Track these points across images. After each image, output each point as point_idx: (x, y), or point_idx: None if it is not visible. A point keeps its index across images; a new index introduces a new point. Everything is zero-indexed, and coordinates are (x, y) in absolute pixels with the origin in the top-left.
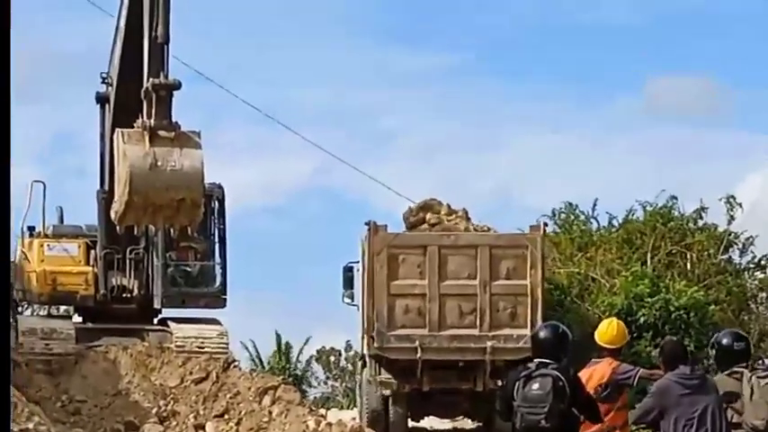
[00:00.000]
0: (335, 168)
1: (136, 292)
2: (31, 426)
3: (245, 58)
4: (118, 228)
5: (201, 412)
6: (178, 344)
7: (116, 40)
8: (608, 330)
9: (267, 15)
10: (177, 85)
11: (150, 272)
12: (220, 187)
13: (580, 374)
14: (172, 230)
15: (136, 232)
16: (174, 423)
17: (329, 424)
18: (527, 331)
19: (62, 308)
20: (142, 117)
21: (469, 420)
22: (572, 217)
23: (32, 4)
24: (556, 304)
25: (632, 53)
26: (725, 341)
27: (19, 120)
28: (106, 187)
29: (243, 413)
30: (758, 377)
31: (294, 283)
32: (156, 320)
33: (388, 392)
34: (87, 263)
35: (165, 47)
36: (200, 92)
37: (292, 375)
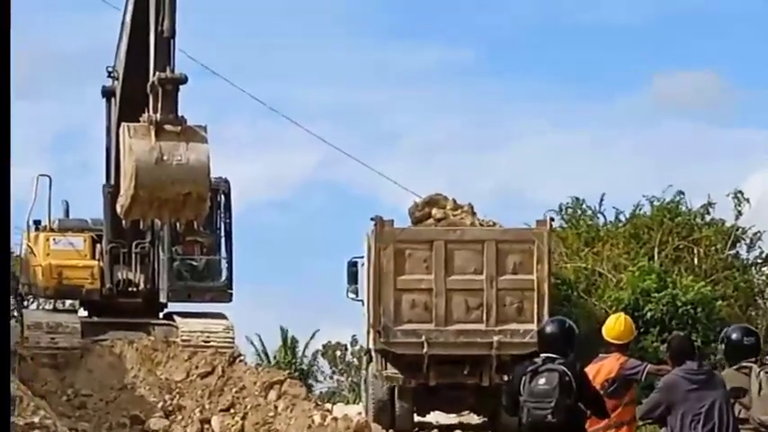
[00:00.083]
0: (340, 163)
1: (142, 286)
2: (36, 419)
3: (248, 59)
4: (124, 222)
5: (207, 406)
6: (184, 338)
7: (122, 35)
8: (615, 326)
9: (270, 16)
10: (183, 80)
11: (156, 266)
12: (226, 181)
13: (587, 370)
14: (178, 224)
15: (142, 226)
16: (180, 417)
17: (335, 419)
18: (533, 326)
19: (68, 302)
20: (148, 111)
21: (475, 415)
22: (579, 212)
23: (37, 1)
24: (563, 299)
25: (636, 50)
26: (734, 336)
27: (25, 115)
28: (112, 181)
29: (248, 407)
30: (766, 372)
31: (300, 277)
32: (161, 315)
33: (394, 387)
34: (93, 257)
35: (172, 41)
36: (206, 86)
37: (298, 370)
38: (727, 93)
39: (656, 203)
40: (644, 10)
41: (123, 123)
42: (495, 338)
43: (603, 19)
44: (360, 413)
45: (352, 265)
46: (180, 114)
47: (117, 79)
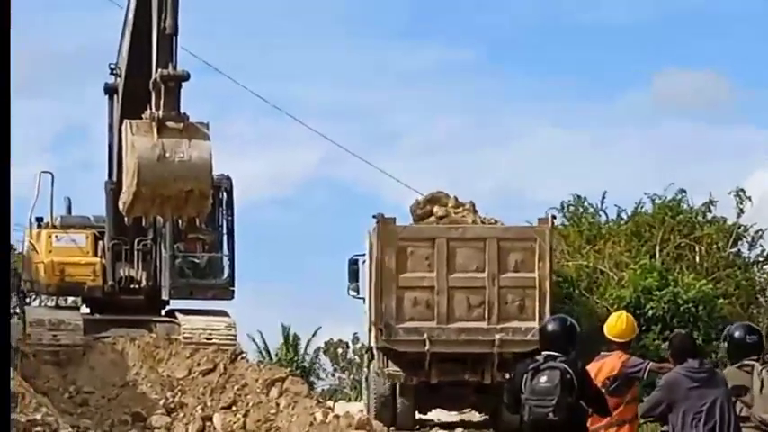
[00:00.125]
0: (342, 161)
1: (144, 283)
2: (38, 416)
3: (248, 57)
4: (126, 219)
5: (209, 404)
6: (186, 335)
7: (125, 32)
8: (617, 324)
9: (270, 15)
10: (186, 77)
11: (158, 263)
12: (228, 178)
13: (589, 367)
14: (180, 222)
15: (144, 223)
16: (182, 414)
17: (336, 416)
18: (535, 324)
19: (70, 299)
20: (150, 108)
21: (476, 413)
22: (581, 209)
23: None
24: (564, 297)
25: (637, 50)
26: (737, 334)
27: (28, 112)
28: (114, 178)
29: (250, 405)
30: None
31: (302, 274)
32: (163, 312)
33: (396, 384)
34: (95, 254)
35: (174, 38)
36: (209, 84)
37: (300, 367)
38: (728, 92)
39: (657, 201)
40: (645, 9)
41: (126, 120)
42: (497, 336)
43: (604, 18)
44: (361, 410)
45: (353, 263)
46: (182, 111)
47: (119, 76)
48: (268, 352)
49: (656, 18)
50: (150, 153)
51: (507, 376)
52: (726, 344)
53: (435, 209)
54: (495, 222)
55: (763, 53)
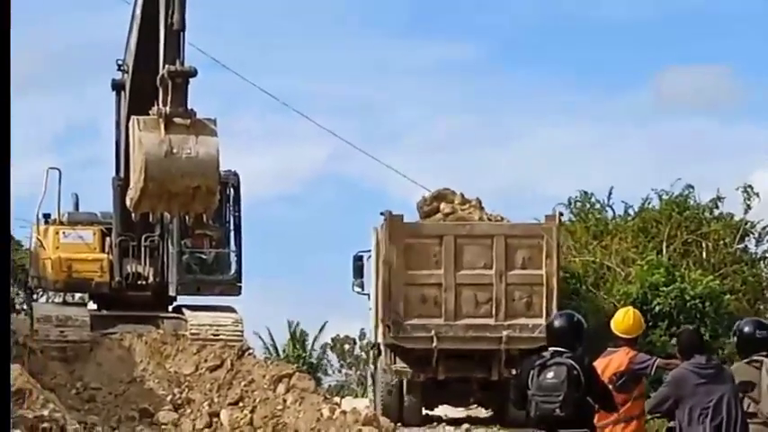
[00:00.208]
0: (349, 157)
1: (151, 279)
2: (45, 413)
3: (254, 54)
4: (133, 215)
5: (216, 400)
6: (193, 331)
7: (132, 28)
8: (624, 320)
9: (275, 13)
10: (193, 73)
11: (165, 259)
12: (236, 175)
13: (596, 364)
14: (187, 218)
15: (151, 219)
16: (189, 410)
17: (343, 412)
18: (542, 321)
19: (77, 295)
20: (158, 104)
21: (483, 409)
22: (587, 205)
23: None
24: (571, 293)
25: (643, 47)
26: (747, 329)
27: (35, 108)
28: (122, 174)
29: (257, 401)
30: None
31: (309, 270)
32: (170, 308)
33: (403, 381)
34: (102, 250)
35: (181, 34)
36: (216, 80)
37: (307, 363)
38: (732, 89)
39: (664, 197)
40: (648, 7)
41: (133, 116)
42: (505, 333)
43: (607, 16)
44: (367, 407)
45: (358, 259)
46: (189, 107)
47: (127, 72)
48: (275, 348)
49: (658, 15)
50: (157, 149)
51: (514, 372)
52: (735, 339)
53: (442, 206)
54: (502, 219)
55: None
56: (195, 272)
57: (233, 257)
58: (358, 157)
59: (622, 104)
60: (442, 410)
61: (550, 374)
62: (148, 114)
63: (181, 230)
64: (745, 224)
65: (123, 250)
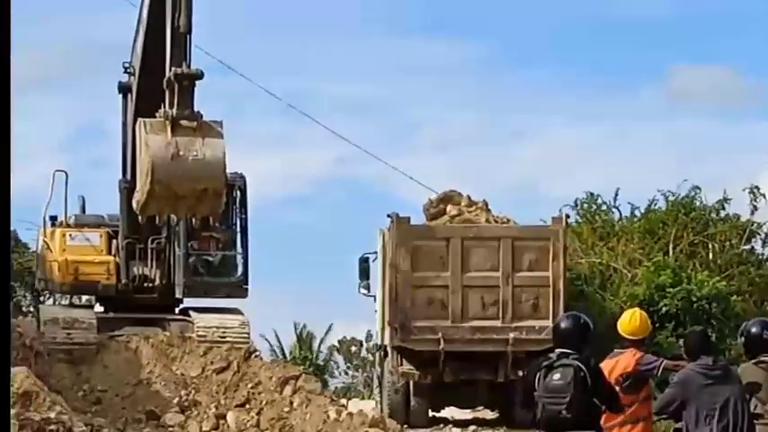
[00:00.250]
0: (356, 159)
1: (157, 281)
2: (52, 415)
3: (260, 55)
4: (140, 217)
5: (222, 402)
6: (199, 333)
7: (139, 30)
8: (631, 321)
9: (281, 12)
10: (200, 75)
11: (172, 261)
12: (242, 177)
13: (603, 365)
14: (193, 220)
15: (158, 222)
16: (196, 412)
17: (350, 414)
18: (549, 323)
19: (84, 297)
20: (164, 107)
21: (489, 411)
22: (594, 207)
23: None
24: (578, 294)
25: (652, 45)
26: (754, 329)
27: (42, 110)
28: (128, 177)
29: (264, 403)
30: None
31: (315, 272)
32: (177, 310)
33: (409, 383)
34: (109, 252)
35: (188, 36)
36: (222, 82)
37: (314, 365)
38: (743, 88)
39: (670, 198)
40: (660, 5)
41: (139, 119)
42: (511, 335)
43: (619, 14)
44: (374, 408)
45: (364, 261)
46: (196, 110)
47: (133, 75)
48: (282, 350)
49: (670, 14)
50: (164, 152)
51: (520, 374)
52: (743, 339)
53: (448, 208)
54: (508, 221)
55: None
56: (202, 274)
57: (239, 260)
58: (364, 160)
59: (630, 104)
60: (449, 412)
61: (557, 376)
62: (155, 117)
63: (187, 233)
64: (752, 225)
65: (130, 253)
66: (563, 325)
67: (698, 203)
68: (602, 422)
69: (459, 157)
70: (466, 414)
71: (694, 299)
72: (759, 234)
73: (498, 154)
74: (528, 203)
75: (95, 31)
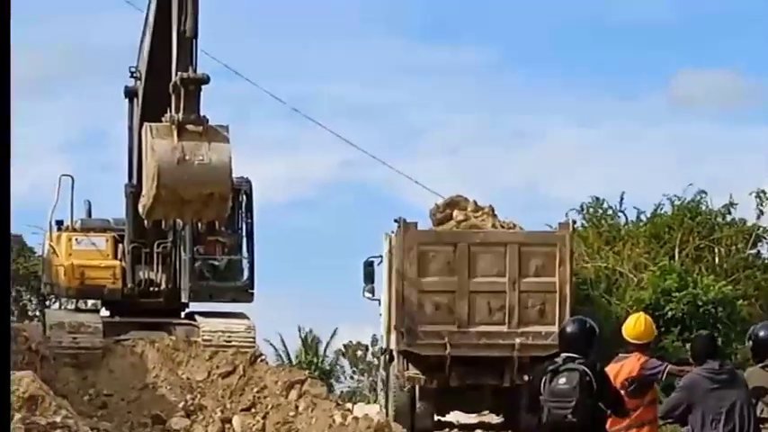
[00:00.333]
0: (361, 162)
1: (163, 285)
2: (58, 419)
3: (265, 59)
4: (146, 222)
5: (228, 406)
6: (205, 338)
7: (145, 35)
8: (636, 325)
9: (286, 15)
10: (206, 80)
11: (178, 266)
12: (248, 181)
13: (608, 369)
14: (199, 224)
15: (164, 226)
16: (201, 417)
17: (356, 418)
18: (555, 328)
19: (90, 302)
20: (170, 111)
21: (494, 415)
22: (600, 211)
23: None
24: (583, 299)
25: (658, 49)
26: (762, 333)
27: (47, 114)
28: (134, 181)
29: (269, 407)
30: None
31: (320, 276)
32: (183, 314)
33: (415, 387)
34: (115, 257)
35: (194, 41)
36: (227, 86)
37: (319, 369)
38: (749, 91)
39: (676, 203)
40: (663, 9)
41: (146, 123)
42: (518, 340)
43: (623, 19)
44: (378, 413)
45: (369, 265)
46: (202, 114)
47: (139, 79)
48: (287, 355)
49: (672, 19)
50: (170, 156)
51: (526, 379)
52: (750, 343)
53: (455, 213)
54: (514, 226)
55: None
56: (208, 278)
57: (245, 264)
58: (369, 164)
59: (635, 108)
60: (454, 416)
61: (563, 380)
62: (161, 121)
63: (193, 237)
64: (758, 229)
65: (136, 257)
66: (569, 329)
67: (704, 208)
68: (607, 426)
69: (462, 160)
70: (471, 418)
71: (700, 303)
72: (765, 238)
73: (502, 157)
74: (531, 206)
75: (95, 32)
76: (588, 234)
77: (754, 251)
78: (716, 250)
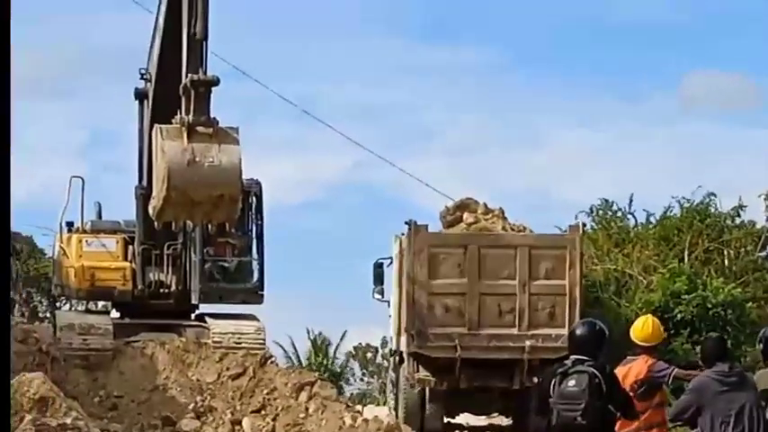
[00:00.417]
0: (370, 164)
1: (173, 287)
2: (68, 421)
3: (273, 60)
4: (156, 223)
5: (238, 408)
6: (215, 339)
7: (155, 37)
8: (643, 328)
9: (291, 16)
10: (216, 82)
11: (188, 267)
12: (258, 183)
13: (616, 372)
14: (209, 226)
15: (174, 228)
16: (211, 418)
17: (365, 420)
18: (565, 331)
19: (100, 303)
20: (180, 113)
21: (504, 417)
22: (609, 213)
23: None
24: (593, 301)
25: (667, 50)
26: None
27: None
28: (144, 183)
29: (279, 409)
30: None
31: (330, 278)
32: (193, 316)
33: (425, 389)
34: (125, 258)
35: (204, 43)
36: (237, 87)
37: (329, 371)
38: (759, 93)
39: (685, 205)
40: (676, 10)
41: (156, 125)
42: (528, 343)
43: (632, 19)
44: (388, 414)
45: (378, 266)
46: (212, 116)
47: (149, 81)
48: (298, 356)
49: (684, 19)
50: (180, 158)
51: (536, 381)
52: (761, 345)
53: (465, 215)
54: (524, 229)
55: None
56: (218, 280)
57: (255, 266)
58: (379, 165)
59: (644, 109)
60: (464, 418)
61: (572, 382)
62: (171, 123)
63: (203, 239)
64: (767, 232)
65: (146, 259)
66: (578, 332)
67: (713, 210)
68: (616, 428)
69: (467, 162)
70: (481, 420)
71: (709, 305)
72: None
73: (512, 159)
74: (539, 207)
75: (95, 32)
76: (598, 236)
77: (763, 254)
78: (725, 253)
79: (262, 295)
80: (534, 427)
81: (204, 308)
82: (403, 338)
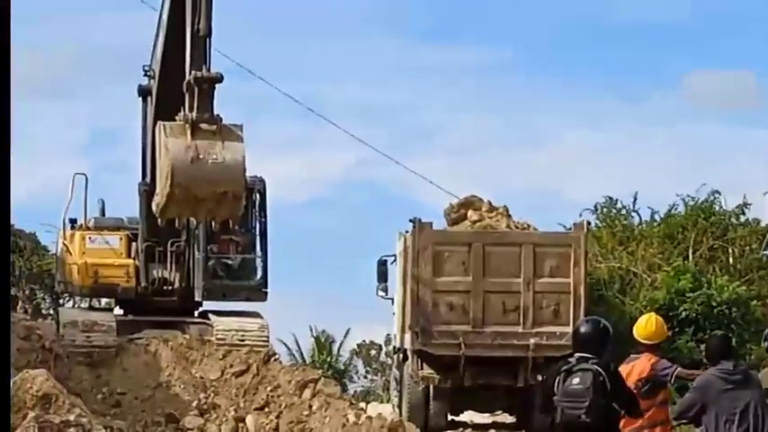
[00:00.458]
0: (375, 162)
1: (177, 284)
2: (71, 417)
3: (277, 58)
4: (159, 220)
5: (242, 405)
6: (219, 336)
7: (159, 34)
8: (646, 326)
9: (295, 15)
10: (219, 78)
11: (191, 264)
12: (262, 180)
13: (620, 370)
14: (213, 223)
15: (177, 225)
16: (215, 416)
17: (369, 417)
18: (569, 329)
19: (103, 300)
20: (184, 110)
21: (508, 415)
22: (613, 211)
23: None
24: (597, 299)
25: (671, 49)
26: None
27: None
28: (148, 180)
29: (283, 406)
30: None
31: (334, 275)
32: (196, 313)
33: (429, 387)
34: (129, 255)
35: (208, 40)
36: (241, 85)
37: (333, 368)
38: (762, 92)
39: (690, 203)
40: (679, 9)
41: (159, 122)
42: (532, 341)
43: (637, 18)
44: (392, 412)
45: (382, 264)
46: (216, 113)
47: (153, 78)
48: (302, 354)
49: (687, 18)
50: (184, 155)
51: (540, 379)
52: (766, 344)
53: (469, 213)
54: (528, 227)
55: None
56: (221, 277)
57: (259, 263)
58: (383, 163)
59: (645, 109)
60: (468, 416)
61: (576, 380)
62: (175, 120)
63: (207, 236)
64: None
65: (149, 255)
66: (583, 330)
67: (717, 208)
68: (620, 426)
69: (475, 162)
70: (485, 418)
71: (714, 304)
72: None
73: (516, 158)
74: (539, 207)
75: (95, 32)
76: (602, 234)
77: (767, 252)
78: (730, 251)
79: (265, 292)
80: (538, 425)
81: (208, 305)
82: (407, 336)
